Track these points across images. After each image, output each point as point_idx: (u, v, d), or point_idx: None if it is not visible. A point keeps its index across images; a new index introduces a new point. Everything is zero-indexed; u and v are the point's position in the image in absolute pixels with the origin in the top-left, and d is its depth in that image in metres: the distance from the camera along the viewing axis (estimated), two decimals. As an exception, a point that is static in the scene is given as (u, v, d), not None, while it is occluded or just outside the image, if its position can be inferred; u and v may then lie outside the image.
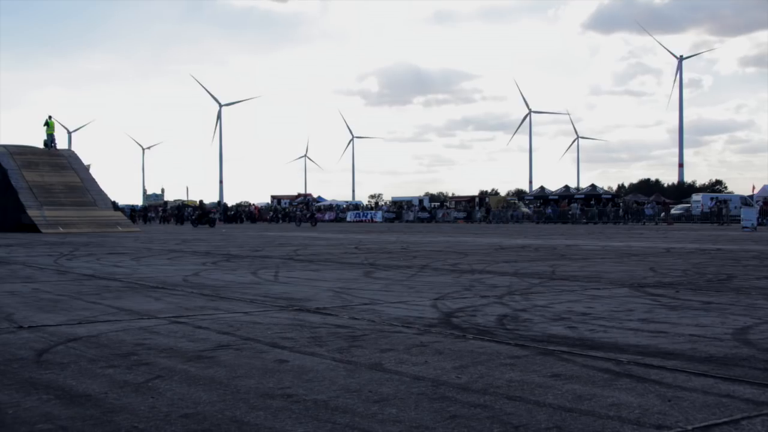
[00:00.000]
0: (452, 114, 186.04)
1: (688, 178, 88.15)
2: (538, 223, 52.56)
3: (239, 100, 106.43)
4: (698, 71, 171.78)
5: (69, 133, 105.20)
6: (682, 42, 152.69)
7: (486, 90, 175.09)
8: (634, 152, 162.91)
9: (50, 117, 37.55)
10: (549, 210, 55.81)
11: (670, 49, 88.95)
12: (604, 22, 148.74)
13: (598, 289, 8.29)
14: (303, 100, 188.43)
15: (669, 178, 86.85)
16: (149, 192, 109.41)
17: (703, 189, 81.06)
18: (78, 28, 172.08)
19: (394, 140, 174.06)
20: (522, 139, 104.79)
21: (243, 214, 64.09)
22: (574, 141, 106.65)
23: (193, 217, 45.99)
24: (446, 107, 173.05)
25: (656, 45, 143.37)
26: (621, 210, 53.05)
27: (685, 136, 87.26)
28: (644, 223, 49.46)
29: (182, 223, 52.43)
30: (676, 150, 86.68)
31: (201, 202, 51.12)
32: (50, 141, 37.12)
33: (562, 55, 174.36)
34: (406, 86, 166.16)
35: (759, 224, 36.58)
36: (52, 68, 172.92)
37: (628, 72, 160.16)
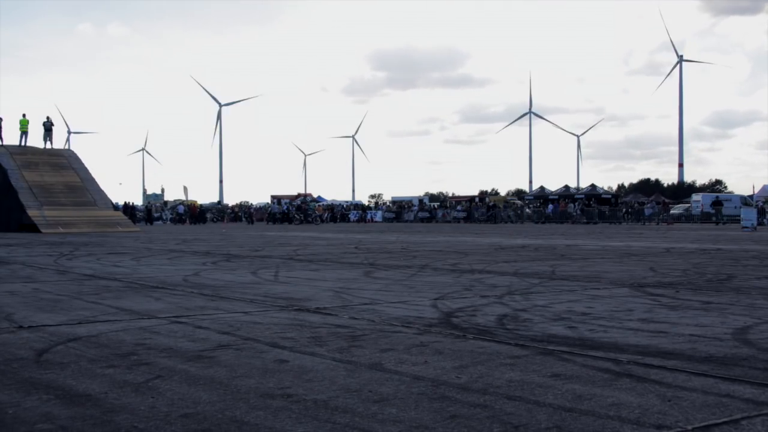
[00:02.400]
0: (452, 104, 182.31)
1: (707, 176, 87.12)
2: (537, 223, 52.55)
3: (238, 100, 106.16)
4: (726, 50, 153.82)
5: (69, 133, 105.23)
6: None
7: (489, 73, 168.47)
8: (651, 147, 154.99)
9: (24, 115, 37.77)
10: (549, 210, 55.77)
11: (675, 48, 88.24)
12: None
13: (598, 289, 8.29)
14: (297, 90, 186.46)
15: (692, 176, 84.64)
16: (149, 192, 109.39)
17: (703, 189, 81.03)
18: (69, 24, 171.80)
19: (393, 136, 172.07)
20: (522, 137, 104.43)
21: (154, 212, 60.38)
22: (577, 141, 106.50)
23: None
24: (445, 96, 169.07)
25: (686, 14, 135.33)
26: (621, 210, 53.05)
27: (710, 129, 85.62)
28: (644, 223, 49.47)
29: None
30: (699, 143, 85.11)
31: (150, 204, 56.39)
32: (25, 137, 37.39)
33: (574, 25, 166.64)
34: (403, 71, 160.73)
35: (759, 224, 36.58)
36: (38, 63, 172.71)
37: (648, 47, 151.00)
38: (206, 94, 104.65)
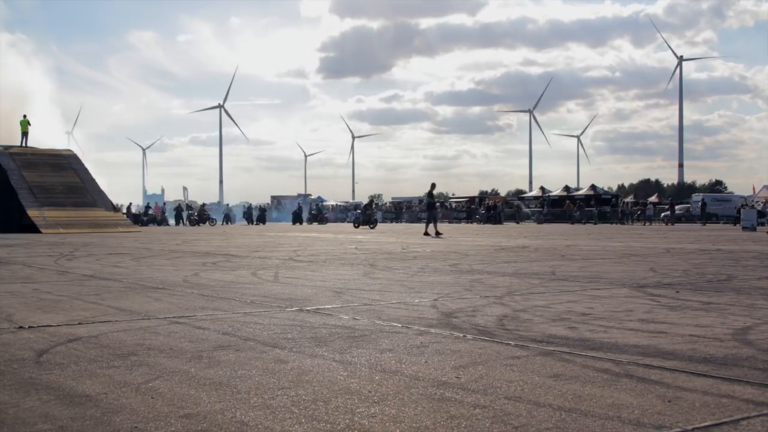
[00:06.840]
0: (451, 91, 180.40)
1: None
2: (537, 223, 52.54)
3: (228, 89, 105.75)
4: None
5: (69, 133, 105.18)
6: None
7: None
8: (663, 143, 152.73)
9: (24, 116, 37.94)
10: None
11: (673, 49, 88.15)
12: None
13: (598, 289, 8.29)
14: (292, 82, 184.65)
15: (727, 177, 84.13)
16: (149, 192, 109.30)
17: (703, 189, 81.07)
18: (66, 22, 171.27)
19: (393, 132, 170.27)
20: (522, 138, 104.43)
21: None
22: (576, 140, 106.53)
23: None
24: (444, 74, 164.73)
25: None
26: (620, 210, 53.08)
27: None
28: (644, 223, 49.48)
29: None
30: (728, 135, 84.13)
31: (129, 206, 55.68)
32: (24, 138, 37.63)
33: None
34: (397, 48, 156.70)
35: (759, 224, 36.58)
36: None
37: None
38: (208, 113, 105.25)
